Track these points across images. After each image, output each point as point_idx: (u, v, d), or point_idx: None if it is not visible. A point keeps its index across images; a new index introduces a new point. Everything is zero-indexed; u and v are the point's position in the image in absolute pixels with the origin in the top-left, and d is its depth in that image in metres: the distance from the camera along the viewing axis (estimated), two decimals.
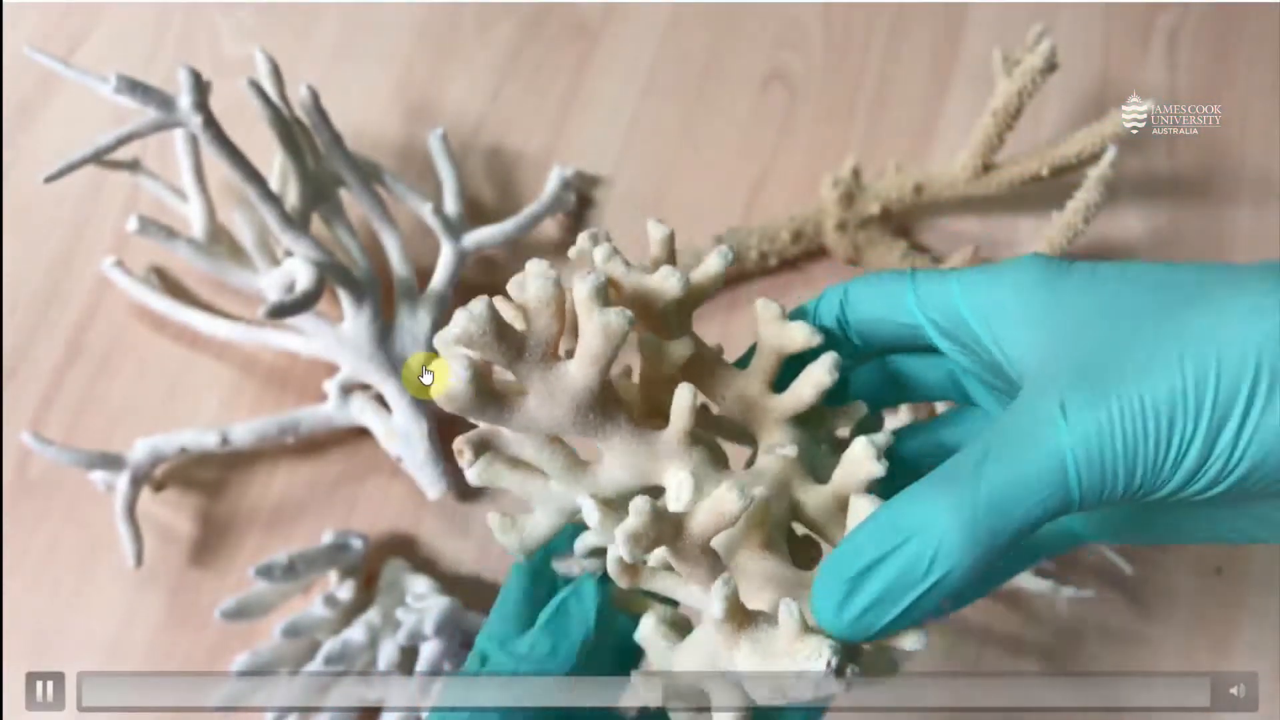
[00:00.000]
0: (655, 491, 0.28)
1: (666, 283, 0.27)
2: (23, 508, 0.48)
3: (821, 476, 0.28)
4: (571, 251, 0.29)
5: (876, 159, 0.55)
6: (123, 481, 0.45)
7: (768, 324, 0.29)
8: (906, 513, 0.23)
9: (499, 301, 0.26)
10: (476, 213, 0.53)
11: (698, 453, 0.28)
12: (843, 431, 0.30)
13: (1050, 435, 0.23)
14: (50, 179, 0.42)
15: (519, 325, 0.26)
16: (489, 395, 0.26)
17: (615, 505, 0.28)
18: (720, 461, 0.29)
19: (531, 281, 0.26)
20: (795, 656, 0.22)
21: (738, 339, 0.52)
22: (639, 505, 0.23)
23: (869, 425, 0.30)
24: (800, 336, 0.28)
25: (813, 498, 0.28)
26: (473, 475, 0.28)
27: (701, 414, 0.29)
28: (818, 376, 0.28)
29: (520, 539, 0.29)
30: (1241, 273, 0.24)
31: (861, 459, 0.27)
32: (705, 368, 0.29)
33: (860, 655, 0.24)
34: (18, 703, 0.46)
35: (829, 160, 0.55)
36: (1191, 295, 0.24)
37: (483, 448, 0.29)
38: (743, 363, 0.30)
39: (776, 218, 0.52)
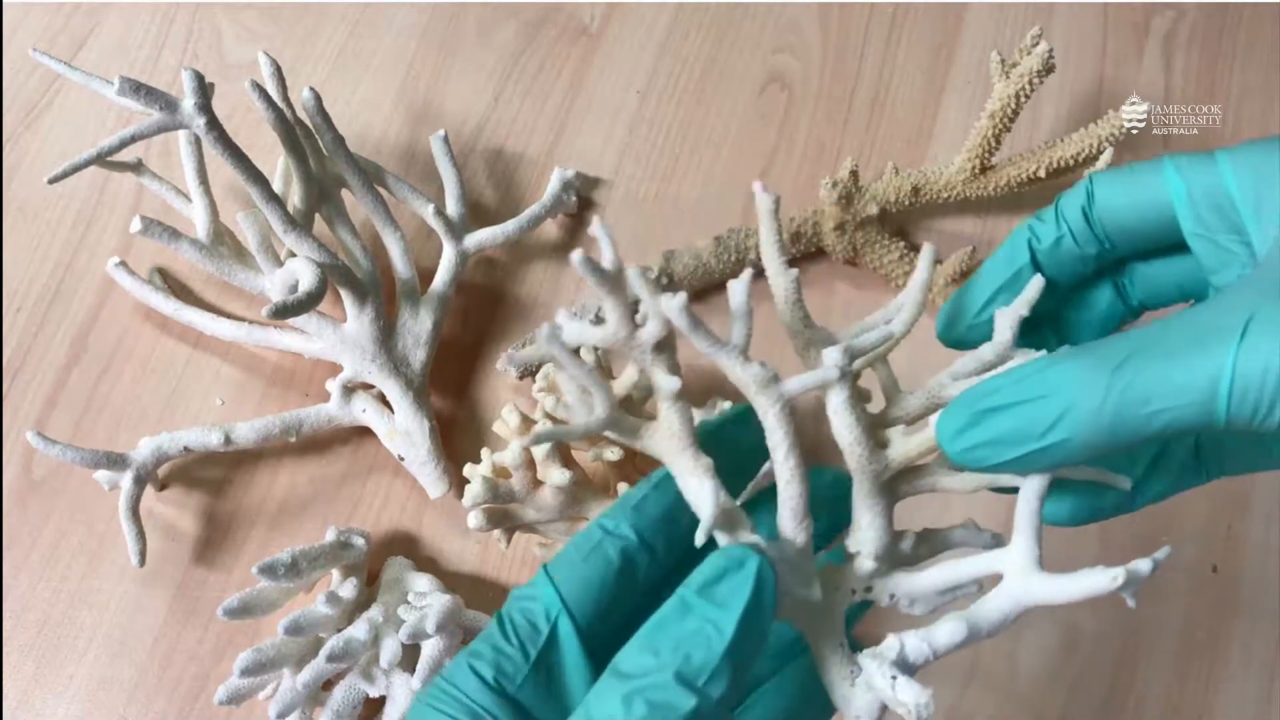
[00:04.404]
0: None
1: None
2: (27, 507, 0.48)
3: None
4: (536, 388, 0.44)
5: (874, 160, 0.55)
6: (126, 480, 0.45)
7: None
8: (1048, 372, 0.23)
9: (495, 467, 0.42)
10: (478, 214, 0.54)
11: None
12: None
13: (1217, 349, 0.21)
14: (54, 180, 0.43)
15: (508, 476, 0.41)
16: (500, 520, 0.42)
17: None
18: None
19: (508, 453, 0.40)
20: None
21: None
22: None
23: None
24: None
25: None
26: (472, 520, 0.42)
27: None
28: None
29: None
30: None
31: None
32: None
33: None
34: (20, 700, 0.46)
35: (827, 161, 0.55)
36: None
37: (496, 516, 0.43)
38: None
39: None
